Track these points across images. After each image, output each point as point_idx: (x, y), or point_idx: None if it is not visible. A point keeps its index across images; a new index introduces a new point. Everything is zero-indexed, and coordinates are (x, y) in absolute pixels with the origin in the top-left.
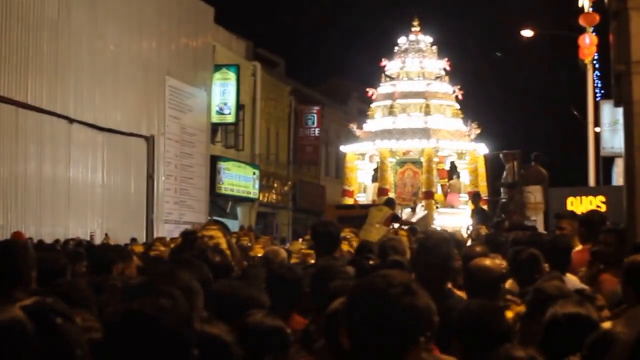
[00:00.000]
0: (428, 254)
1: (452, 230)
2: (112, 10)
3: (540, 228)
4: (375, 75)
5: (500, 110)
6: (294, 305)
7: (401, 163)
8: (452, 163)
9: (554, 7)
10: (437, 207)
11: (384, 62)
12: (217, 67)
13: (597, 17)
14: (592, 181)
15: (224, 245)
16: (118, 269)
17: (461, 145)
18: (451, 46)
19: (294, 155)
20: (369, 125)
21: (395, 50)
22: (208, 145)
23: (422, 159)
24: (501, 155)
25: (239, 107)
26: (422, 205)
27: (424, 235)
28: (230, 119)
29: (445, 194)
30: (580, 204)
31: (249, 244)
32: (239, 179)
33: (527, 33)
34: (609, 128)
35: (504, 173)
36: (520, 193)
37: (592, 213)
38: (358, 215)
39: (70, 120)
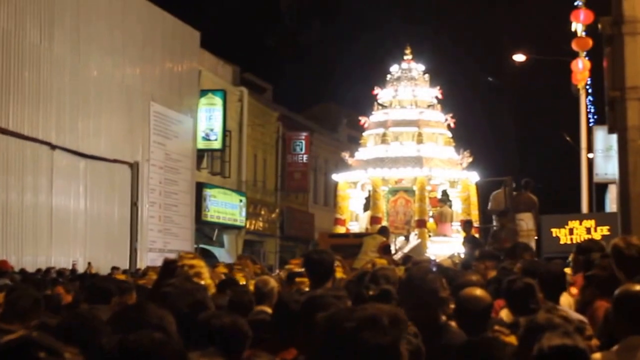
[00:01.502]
0: (415, 292)
1: (442, 259)
2: (95, 36)
3: (533, 255)
4: (365, 102)
5: (492, 137)
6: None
7: (393, 192)
8: (444, 191)
9: (547, 32)
10: (429, 236)
11: (377, 90)
12: (203, 93)
13: (590, 42)
14: (585, 207)
15: (205, 274)
16: (116, 301)
17: (453, 174)
18: (443, 74)
19: (282, 182)
20: (361, 154)
21: (388, 79)
22: (194, 172)
23: (415, 188)
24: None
25: (226, 133)
26: (416, 234)
27: (408, 272)
28: (217, 145)
29: (436, 223)
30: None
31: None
32: (225, 206)
33: (519, 58)
34: (602, 154)
35: (490, 201)
36: (512, 220)
37: (590, 242)
38: (352, 244)
39: (53, 147)
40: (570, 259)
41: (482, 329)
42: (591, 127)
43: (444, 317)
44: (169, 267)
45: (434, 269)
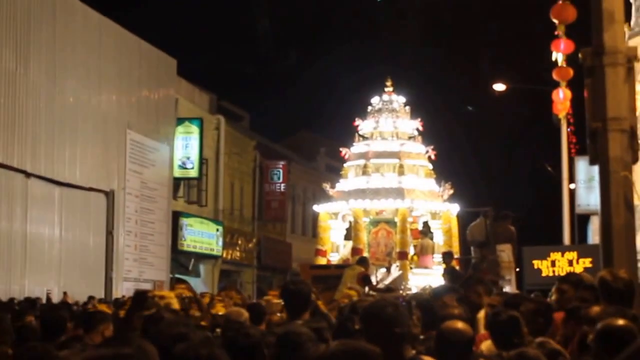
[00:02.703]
0: (372, 324)
1: (419, 291)
2: (71, 62)
3: (513, 287)
4: (344, 132)
5: (472, 168)
6: None
7: (375, 223)
8: (425, 223)
9: (527, 61)
10: (411, 268)
11: (357, 121)
12: (180, 121)
13: (570, 72)
14: (567, 239)
15: (175, 305)
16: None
17: (435, 206)
18: (423, 106)
19: (259, 212)
20: (342, 185)
21: (369, 110)
22: (170, 200)
23: (396, 219)
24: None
25: (202, 161)
26: (397, 266)
27: (369, 303)
28: (193, 173)
29: (417, 254)
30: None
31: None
32: (201, 235)
33: (499, 87)
34: (584, 185)
35: (468, 231)
36: (493, 252)
37: (571, 275)
38: (333, 275)
39: (27, 175)
40: (552, 291)
41: None
42: (572, 157)
43: (412, 351)
44: (140, 298)
45: (403, 302)
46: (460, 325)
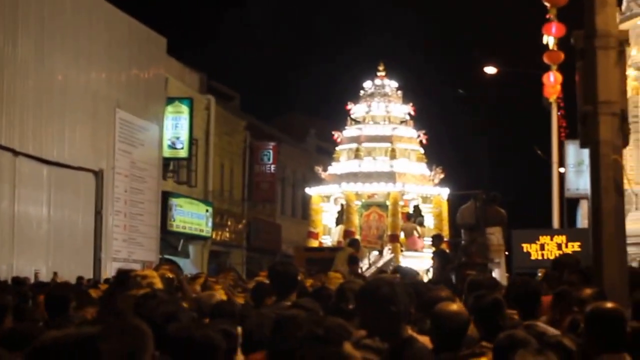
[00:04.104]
0: (367, 303)
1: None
2: (60, 40)
3: (503, 270)
4: (335, 111)
5: (463, 151)
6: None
7: (366, 206)
8: (416, 207)
9: (518, 45)
10: (402, 251)
11: (350, 105)
12: (170, 100)
13: (561, 55)
14: (556, 223)
15: (158, 285)
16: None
17: (426, 190)
18: (415, 90)
19: (249, 193)
20: (335, 168)
21: (361, 94)
22: (159, 181)
23: (388, 202)
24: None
25: (192, 141)
26: (389, 249)
27: (365, 282)
28: (183, 154)
29: (405, 237)
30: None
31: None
32: (191, 216)
33: (490, 70)
34: (573, 169)
35: (458, 214)
36: (483, 235)
37: (566, 256)
38: (327, 258)
39: (16, 153)
40: (540, 274)
41: (457, 346)
42: (562, 141)
43: (410, 331)
44: (122, 278)
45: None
46: (454, 307)
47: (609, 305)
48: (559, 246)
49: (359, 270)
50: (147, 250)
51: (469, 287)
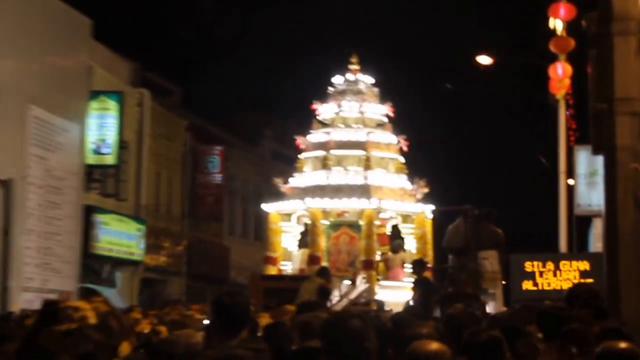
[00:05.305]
0: (332, 338)
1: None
2: None
3: (499, 303)
4: (296, 111)
5: (451, 161)
6: None
7: (335, 226)
8: (395, 227)
9: (519, 30)
10: (378, 280)
11: (316, 105)
12: (95, 94)
13: (572, 42)
14: (563, 246)
15: (92, 319)
16: None
17: (406, 207)
18: (394, 86)
19: (190, 208)
20: (297, 180)
21: (330, 91)
22: (81, 193)
23: (361, 222)
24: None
25: (121, 145)
26: (364, 277)
27: (330, 315)
28: (110, 160)
29: (385, 265)
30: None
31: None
32: (119, 236)
33: (484, 60)
34: (585, 180)
35: (445, 235)
36: (474, 260)
37: (580, 287)
38: (288, 288)
39: None
40: None
41: None
42: (572, 146)
43: None
44: (50, 311)
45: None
46: (434, 346)
47: (622, 345)
48: (556, 273)
49: (328, 304)
50: (64, 277)
51: (446, 324)
